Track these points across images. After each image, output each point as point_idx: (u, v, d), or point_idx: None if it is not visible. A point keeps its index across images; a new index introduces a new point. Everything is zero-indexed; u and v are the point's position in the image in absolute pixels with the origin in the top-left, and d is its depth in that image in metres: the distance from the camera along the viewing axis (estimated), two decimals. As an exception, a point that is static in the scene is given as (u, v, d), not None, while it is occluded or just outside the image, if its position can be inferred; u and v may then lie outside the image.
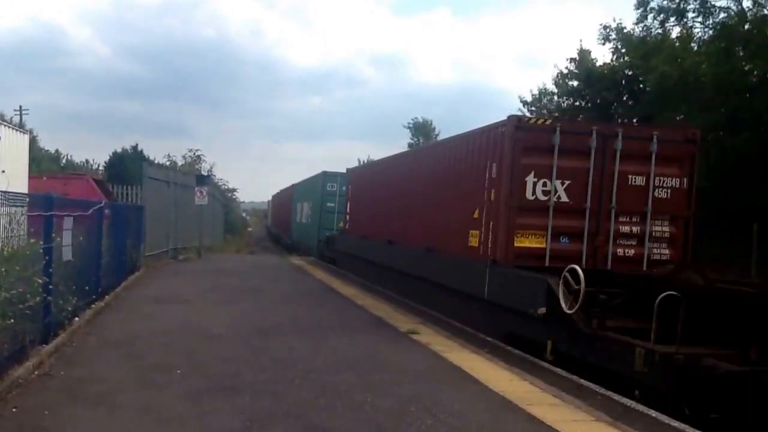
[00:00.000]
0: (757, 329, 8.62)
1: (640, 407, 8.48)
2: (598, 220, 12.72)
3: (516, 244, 12.64)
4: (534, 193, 12.60)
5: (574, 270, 10.88)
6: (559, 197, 12.62)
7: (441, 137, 79.34)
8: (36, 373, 8.76)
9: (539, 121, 13.76)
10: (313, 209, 34.92)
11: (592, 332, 10.48)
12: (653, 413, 8.23)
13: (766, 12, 26.10)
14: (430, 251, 16.68)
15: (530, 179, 12.57)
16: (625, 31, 32.27)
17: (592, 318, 10.57)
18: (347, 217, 27.80)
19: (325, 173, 33.21)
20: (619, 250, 12.79)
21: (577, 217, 12.73)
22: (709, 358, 8.75)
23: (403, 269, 19.00)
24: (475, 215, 13.93)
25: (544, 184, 12.62)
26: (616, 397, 8.80)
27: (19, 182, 18.67)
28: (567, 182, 12.69)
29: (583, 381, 9.36)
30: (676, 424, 7.85)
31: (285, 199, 48.45)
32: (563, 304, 10.77)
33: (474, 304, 14.14)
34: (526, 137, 12.67)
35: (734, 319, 9.02)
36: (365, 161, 56.89)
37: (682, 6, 28.18)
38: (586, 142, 12.70)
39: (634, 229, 12.88)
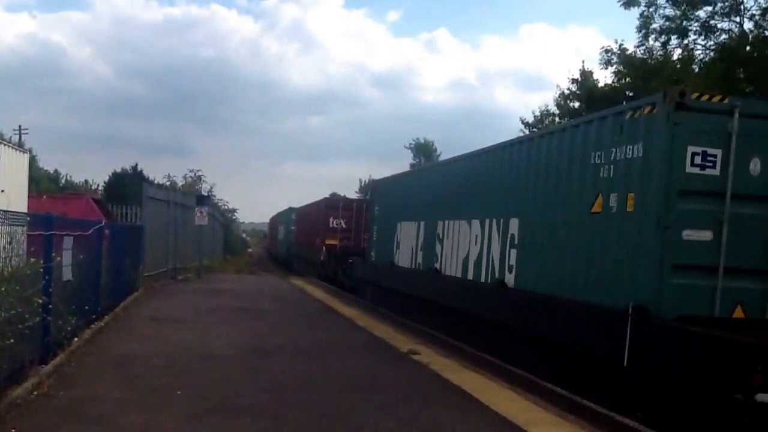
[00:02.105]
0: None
1: (643, 428, 8.40)
2: (355, 233, 31.31)
3: (326, 242, 31.85)
4: (333, 225, 31.80)
5: (326, 245, 32.07)
6: (342, 226, 31.70)
7: (442, 157, 79.85)
8: (35, 393, 8.70)
9: (335, 199, 36.35)
10: (285, 230, 52.22)
11: (327, 265, 32.00)
12: (656, 434, 8.16)
13: (767, 34, 26.22)
14: (311, 247, 36.23)
15: (331, 220, 31.83)
16: (627, 53, 32.46)
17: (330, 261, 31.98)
18: (295, 235, 46.07)
19: (290, 208, 50.45)
20: (363, 244, 28.93)
21: (350, 231, 31.56)
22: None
23: (303, 257, 40.64)
24: (321, 233, 32.70)
25: (336, 221, 31.73)
26: (618, 417, 8.73)
27: (18, 202, 18.61)
28: (344, 221, 31.74)
29: (585, 401, 9.29)
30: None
31: (275, 223, 66.44)
32: (322, 258, 32.23)
33: (315, 264, 34.45)
34: (330, 205, 32.89)
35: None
36: (366, 182, 58.51)
37: (683, 25, 28.32)
38: (352, 207, 32.31)
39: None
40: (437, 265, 17.51)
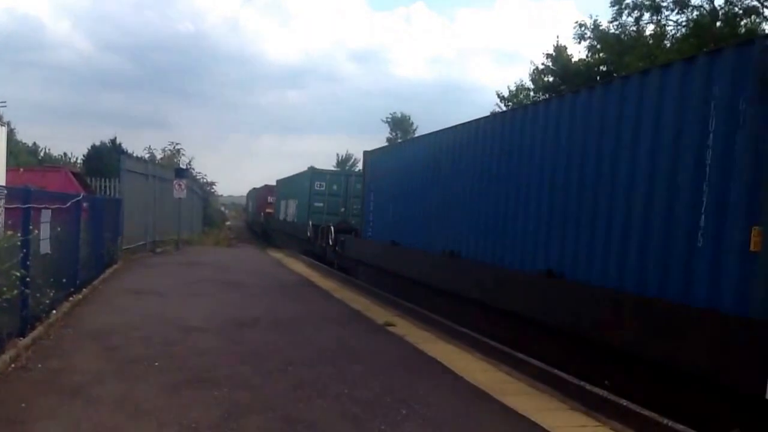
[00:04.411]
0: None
1: (613, 397, 8.58)
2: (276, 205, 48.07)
3: (266, 210, 51.43)
4: (269, 200, 49.99)
5: (264, 212, 54.01)
6: (272, 202, 48.88)
7: (419, 132, 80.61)
8: (13, 366, 8.78)
9: (271, 185, 51.44)
10: (252, 204, 68.97)
11: (264, 224, 54.67)
12: (625, 402, 8.36)
13: (736, 10, 26.43)
14: (259, 215, 57.74)
15: (268, 197, 50.76)
16: (600, 28, 32.59)
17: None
18: (255, 206, 62.75)
19: (254, 189, 68.15)
20: (268, 209, 52.01)
21: (274, 206, 47.81)
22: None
23: (256, 221, 61.51)
24: (264, 206, 52.91)
25: (271, 198, 49.15)
26: (589, 387, 8.92)
27: (-5, 175, 18.53)
28: (275, 197, 47.94)
29: (557, 371, 9.47)
30: (647, 413, 7.98)
31: (248, 198, 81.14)
32: (262, 219, 55.60)
33: (259, 224, 57.66)
34: (268, 188, 52.24)
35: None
36: (343, 156, 59.59)
37: (656, 2, 28.46)
38: (271, 193, 51.99)
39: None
40: (287, 218, 39.03)
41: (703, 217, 8.18)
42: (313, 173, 32.02)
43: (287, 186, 40.50)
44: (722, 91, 8.08)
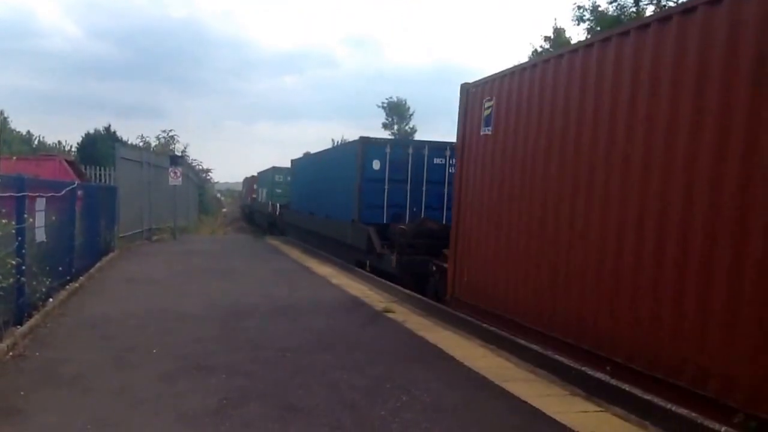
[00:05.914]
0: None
1: (614, 382, 8.54)
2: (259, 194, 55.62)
3: (252, 196, 56.29)
4: (255, 188, 54.08)
5: (251, 198, 59.47)
6: (256, 189, 54.14)
7: (415, 116, 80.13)
8: (10, 354, 8.73)
9: (257, 175, 56.68)
10: (244, 192, 70.87)
11: (251, 207, 59.73)
12: (626, 387, 8.32)
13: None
14: (248, 199, 61.42)
15: (254, 186, 55.36)
16: (599, 9, 32.39)
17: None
18: (246, 194, 65.86)
19: (246, 178, 69.92)
20: (253, 195, 56.67)
21: (257, 191, 53.58)
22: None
23: (245, 205, 65.53)
24: (252, 192, 57.25)
25: (256, 188, 53.30)
26: (590, 371, 8.88)
27: (-11, 164, 18.44)
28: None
29: (557, 356, 9.44)
30: (648, 397, 7.94)
31: (243, 185, 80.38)
32: (249, 201, 61.52)
33: (248, 207, 61.74)
34: (254, 179, 57.08)
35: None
36: (338, 142, 59.74)
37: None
38: (254, 183, 57.74)
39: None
40: (262, 200, 46.98)
41: (356, 195, 20.08)
42: (274, 169, 43.97)
43: (262, 177, 52.35)
44: (355, 158, 20.06)
